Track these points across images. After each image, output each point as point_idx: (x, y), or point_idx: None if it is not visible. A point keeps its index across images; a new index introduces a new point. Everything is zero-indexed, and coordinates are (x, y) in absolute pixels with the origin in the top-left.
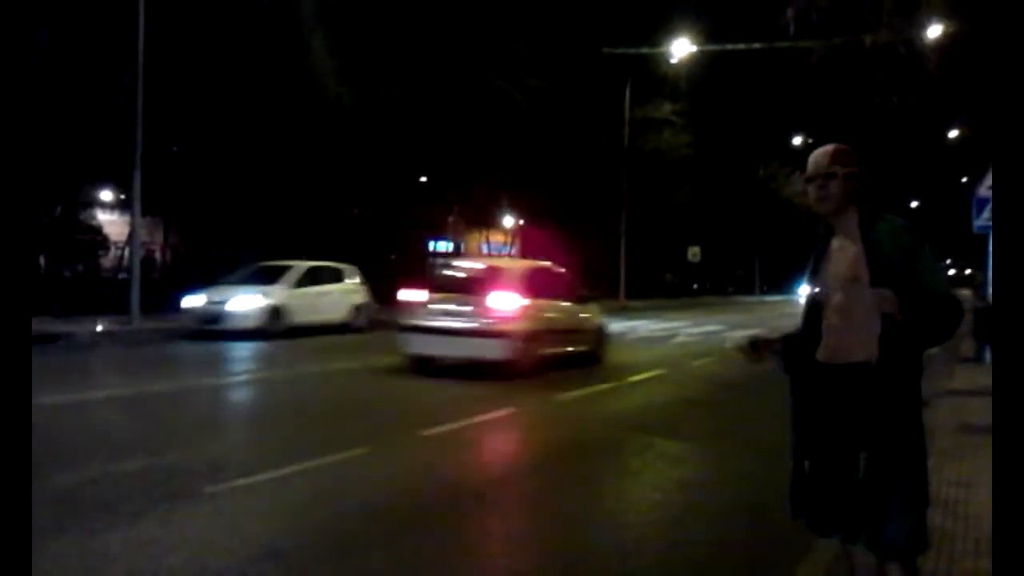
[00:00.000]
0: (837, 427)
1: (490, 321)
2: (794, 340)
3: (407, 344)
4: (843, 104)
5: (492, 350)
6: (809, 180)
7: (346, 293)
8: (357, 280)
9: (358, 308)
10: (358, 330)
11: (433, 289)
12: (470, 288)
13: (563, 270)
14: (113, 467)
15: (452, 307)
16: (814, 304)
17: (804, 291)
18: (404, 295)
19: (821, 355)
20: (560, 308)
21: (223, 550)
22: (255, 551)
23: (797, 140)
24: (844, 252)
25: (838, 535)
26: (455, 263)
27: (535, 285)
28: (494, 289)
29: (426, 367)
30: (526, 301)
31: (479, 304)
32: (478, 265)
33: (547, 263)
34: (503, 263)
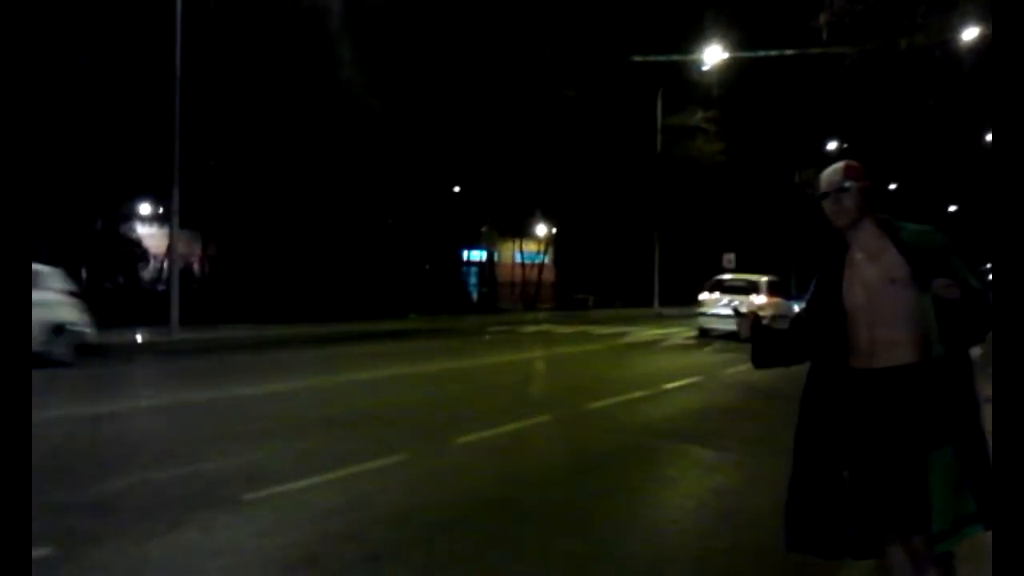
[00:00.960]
0: (898, 429)
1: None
2: (780, 337)
3: (701, 322)
4: (878, 108)
5: None
6: (823, 196)
7: (39, 308)
8: (61, 289)
9: (58, 330)
10: (60, 363)
11: (715, 291)
12: (738, 291)
13: (778, 279)
14: (152, 475)
15: (727, 301)
16: (835, 314)
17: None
18: (701, 296)
19: (860, 362)
20: (779, 301)
21: (260, 557)
22: (291, 557)
23: (832, 145)
24: (873, 259)
25: (857, 554)
26: (727, 277)
27: (772, 289)
28: (752, 292)
29: (706, 336)
30: (769, 298)
31: (744, 299)
32: (741, 277)
33: (773, 277)
34: (754, 277)
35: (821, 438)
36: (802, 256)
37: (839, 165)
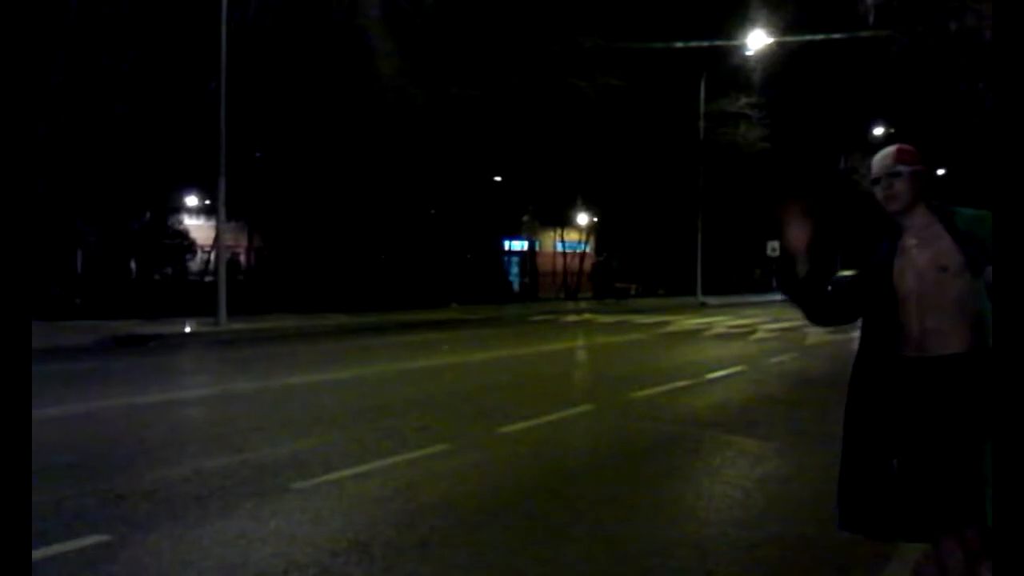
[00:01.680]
0: (952, 420)
1: None
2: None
3: None
4: (926, 93)
5: None
6: (875, 181)
7: None
8: None
9: None
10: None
11: None
12: None
13: None
14: (203, 463)
15: None
16: (886, 301)
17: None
18: None
19: (911, 351)
20: None
21: (309, 543)
22: (340, 544)
23: (879, 130)
24: (926, 245)
25: (909, 537)
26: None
27: None
28: None
29: None
30: None
31: None
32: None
33: None
34: None
35: (870, 426)
36: (848, 243)
37: (891, 149)
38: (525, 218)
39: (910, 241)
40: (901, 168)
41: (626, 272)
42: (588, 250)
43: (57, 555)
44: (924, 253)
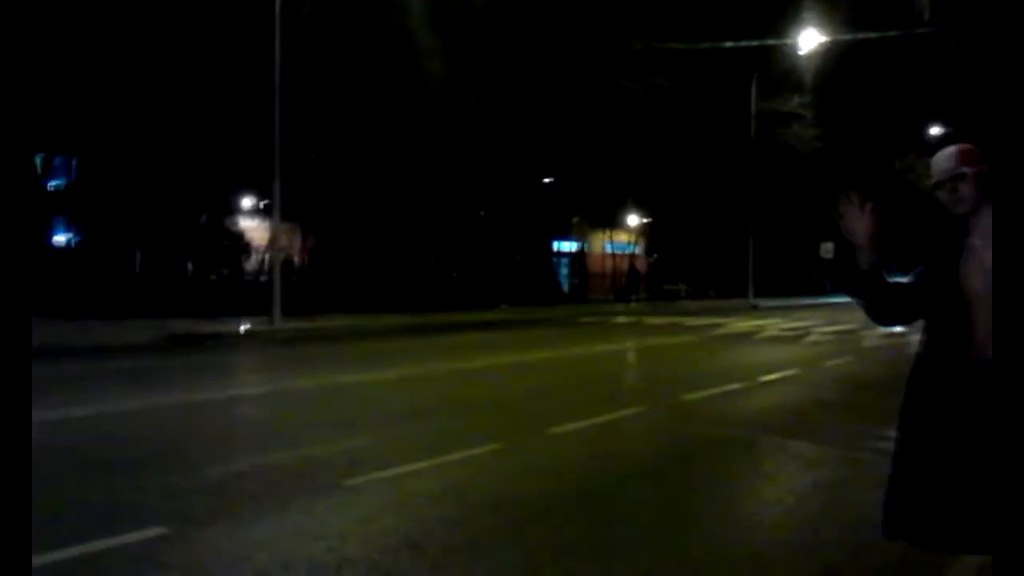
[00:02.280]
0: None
1: None
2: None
3: None
4: (984, 90)
5: None
6: (938, 185)
7: None
8: None
9: None
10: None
11: None
12: None
13: None
14: (259, 459)
15: None
16: (954, 302)
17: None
18: None
19: (980, 352)
20: None
21: (361, 540)
22: (391, 541)
23: (935, 130)
24: (989, 248)
25: (968, 549)
26: None
27: None
28: None
29: None
30: None
31: None
32: None
33: None
34: None
35: (931, 431)
36: (902, 245)
37: (951, 150)
38: (575, 219)
39: (977, 241)
40: (965, 169)
41: (676, 273)
42: (638, 251)
43: (118, 546)
44: (990, 255)
